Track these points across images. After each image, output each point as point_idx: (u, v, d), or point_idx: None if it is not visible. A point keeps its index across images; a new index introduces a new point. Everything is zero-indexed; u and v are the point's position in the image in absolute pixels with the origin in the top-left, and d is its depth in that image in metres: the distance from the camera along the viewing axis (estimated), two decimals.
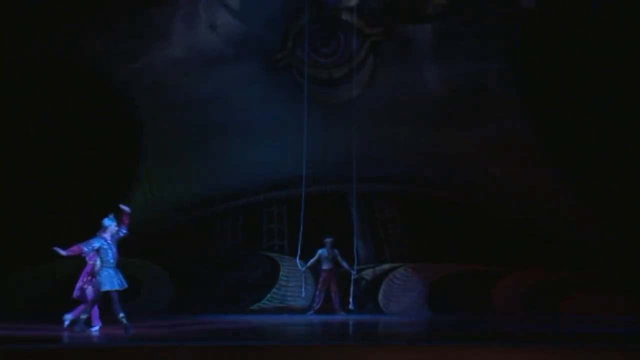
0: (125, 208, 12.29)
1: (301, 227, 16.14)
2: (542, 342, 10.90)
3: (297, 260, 16.12)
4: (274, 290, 16.66)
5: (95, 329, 12.14)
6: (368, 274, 16.68)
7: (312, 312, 16.09)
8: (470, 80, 16.82)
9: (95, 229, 16.41)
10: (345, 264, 16.08)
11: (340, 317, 15.61)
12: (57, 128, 16.65)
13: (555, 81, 16.58)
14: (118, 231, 12.13)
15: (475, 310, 15.94)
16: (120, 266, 12.12)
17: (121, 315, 11.79)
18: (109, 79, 16.89)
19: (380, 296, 16.51)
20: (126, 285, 12.07)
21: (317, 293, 16.25)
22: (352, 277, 16.19)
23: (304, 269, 16.16)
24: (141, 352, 9.81)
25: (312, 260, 16.11)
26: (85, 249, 12.02)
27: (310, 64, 16.99)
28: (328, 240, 16.09)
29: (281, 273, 16.74)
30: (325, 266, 16.11)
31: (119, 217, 12.34)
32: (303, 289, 16.39)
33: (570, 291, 16.16)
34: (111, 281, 11.83)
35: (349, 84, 17.08)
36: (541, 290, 16.25)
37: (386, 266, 16.70)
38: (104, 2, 16.89)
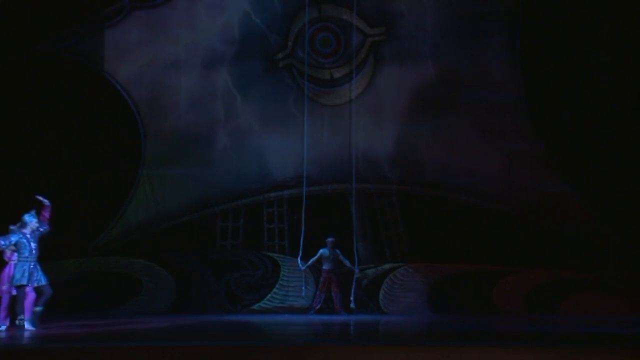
0: (45, 201, 12.20)
1: (302, 227, 16.18)
2: (542, 342, 10.88)
3: (298, 260, 16.15)
4: (274, 290, 16.66)
5: (2, 329, 12.02)
6: (369, 273, 16.66)
7: (312, 312, 16.09)
8: (470, 80, 16.82)
9: (96, 230, 16.56)
10: (347, 263, 16.10)
11: (340, 317, 15.60)
12: (58, 128, 16.68)
13: (555, 80, 16.60)
14: (39, 227, 12.06)
15: (476, 310, 15.94)
16: (41, 262, 12.11)
17: (21, 317, 11.79)
18: (109, 79, 16.89)
19: (380, 296, 16.50)
20: (43, 282, 12.01)
21: (318, 293, 16.25)
22: (355, 276, 16.21)
23: (304, 267, 16.17)
24: (141, 351, 9.80)
25: (312, 259, 16.13)
26: (2, 243, 11.90)
27: (310, 64, 17.01)
28: (330, 240, 16.09)
29: (282, 273, 16.74)
30: (326, 266, 16.12)
31: (39, 211, 12.25)
32: (304, 287, 16.40)
33: (571, 291, 16.15)
34: (24, 276, 11.82)
35: (349, 84, 17.09)
36: (542, 290, 16.24)
37: (387, 266, 16.69)
38: (104, 2, 16.92)
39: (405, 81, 16.95)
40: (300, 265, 16.14)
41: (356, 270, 16.18)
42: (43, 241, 15.55)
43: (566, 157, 16.51)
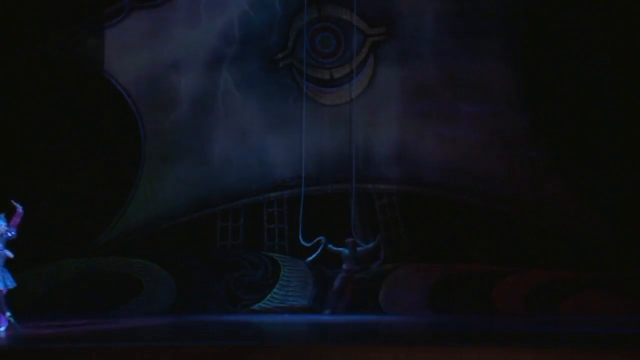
0: (18, 207, 12.06)
1: (300, 223, 16.25)
2: (542, 342, 10.89)
3: (301, 237, 16.04)
4: (274, 290, 16.66)
5: (1, 329, 11.94)
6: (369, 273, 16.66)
7: (329, 310, 15.91)
8: (470, 80, 16.82)
9: (96, 230, 16.58)
10: (372, 244, 15.99)
11: (341, 317, 15.57)
12: (58, 129, 16.68)
13: (556, 80, 16.60)
14: (7, 231, 11.93)
15: (476, 310, 15.94)
16: (8, 265, 12.02)
17: (8, 314, 11.74)
18: (109, 79, 16.90)
19: (380, 296, 16.50)
20: (14, 284, 11.96)
21: (334, 292, 16.05)
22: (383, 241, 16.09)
23: (328, 246, 15.95)
24: (141, 351, 9.80)
25: (334, 249, 15.96)
26: None
27: (310, 64, 17.01)
28: (349, 240, 15.98)
29: (282, 273, 16.74)
30: (346, 266, 15.96)
31: (10, 216, 12.12)
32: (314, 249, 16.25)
33: (571, 291, 16.15)
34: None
35: (349, 84, 17.09)
36: (542, 290, 16.24)
37: (387, 266, 16.68)
38: (104, 2, 16.93)
39: (406, 81, 16.95)
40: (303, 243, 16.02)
41: (379, 237, 16.12)
42: (44, 241, 15.63)
43: (566, 156, 16.51)
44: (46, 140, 16.64)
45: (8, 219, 12.07)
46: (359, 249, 16.11)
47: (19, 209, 12.07)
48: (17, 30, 16.57)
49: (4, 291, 11.98)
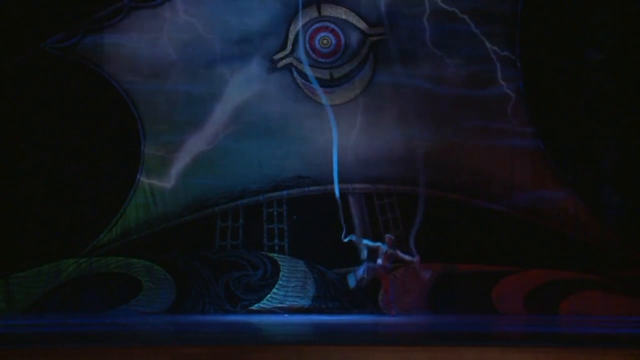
0: None
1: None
2: (542, 342, 10.89)
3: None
4: (274, 290, 16.67)
5: None
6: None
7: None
8: (470, 79, 16.82)
9: (96, 230, 16.59)
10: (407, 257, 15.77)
11: (341, 317, 15.57)
12: (58, 128, 16.68)
13: (555, 80, 16.60)
14: None
15: (476, 310, 15.93)
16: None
17: None
18: (109, 79, 16.90)
19: (380, 296, 16.49)
20: None
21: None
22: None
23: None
24: (141, 351, 9.80)
25: (370, 244, 15.75)
26: None
27: (310, 64, 17.01)
28: (388, 236, 15.77)
29: (282, 273, 16.74)
30: (380, 262, 15.77)
31: None
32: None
33: (571, 291, 16.15)
34: None
35: (349, 84, 17.10)
36: (542, 290, 16.24)
37: None
38: (103, 2, 16.93)
39: (405, 81, 16.95)
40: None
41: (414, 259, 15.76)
42: (44, 241, 15.63)
43: (567, 156, 16.52)
44: (46, 141, 16.64)
45: None
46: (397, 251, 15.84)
47: None
48: (17, 30, 16.56)
49: None
